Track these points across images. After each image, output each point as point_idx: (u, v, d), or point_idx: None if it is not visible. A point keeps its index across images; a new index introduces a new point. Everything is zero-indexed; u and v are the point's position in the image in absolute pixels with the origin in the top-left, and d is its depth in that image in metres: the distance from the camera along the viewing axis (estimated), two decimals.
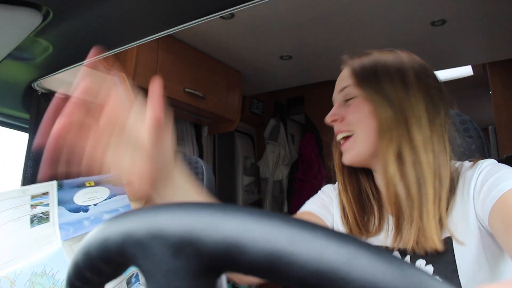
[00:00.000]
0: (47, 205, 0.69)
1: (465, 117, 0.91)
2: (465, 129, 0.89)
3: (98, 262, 0.26)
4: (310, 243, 0.20)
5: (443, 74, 3.32)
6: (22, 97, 1.48)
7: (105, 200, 0.76)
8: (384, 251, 0.20)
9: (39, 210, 0.68)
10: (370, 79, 0.74)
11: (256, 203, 3.39)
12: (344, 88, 0.78)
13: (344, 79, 0.79)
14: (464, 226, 0.66)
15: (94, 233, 0.26)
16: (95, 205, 0.74)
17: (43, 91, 1.57)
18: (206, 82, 2.46)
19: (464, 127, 0.89)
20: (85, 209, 0.73)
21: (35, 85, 1.46)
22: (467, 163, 0.73)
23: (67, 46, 0.99)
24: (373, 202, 0.78)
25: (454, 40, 2.24)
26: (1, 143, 1.79)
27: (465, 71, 3.23)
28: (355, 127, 0.74)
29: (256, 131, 3.57)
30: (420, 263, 0.68)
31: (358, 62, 0.78)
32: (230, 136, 3.26)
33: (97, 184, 0.77)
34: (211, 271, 0.22)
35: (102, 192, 0.77)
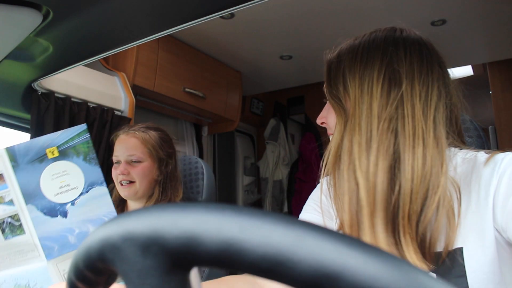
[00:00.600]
0: (11, 202, 0.56)
1: (465, 117, 0.91)
2: (465, 129, 0.89)
3: (86, 272, 0.27)
4: (258, 229, 0.20)
5: None
6: (22, 97, 1.48)
7: (81, 194, 0.63)
8: (332, 231, 0.20)
9: (3, 212, 0.56)
10: (330, 80, 0.71)
11: (256, 203, 3.39)
12: (323, 87, 0.75)
13: (324, 78, 0.76)
14: (478, 235, 0.57)
15: (81, 244, 0.27)
16: (73, 204, 0.62)
17: (43, 91, 1.57)
18: (206, 82, 2.46)
19: (464, 127, 0.89)
20: (63, 211, 0.61)
21: (35, 85, 1.46)
22: (481, 156, 0.62)
23: (67, 46, 0.99)
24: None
25: (454, 40, 2.24)
26: (1, 143, 1.79)
27: (465, 71, 3.23)
28: (332, 131, 0.72)
29: (256, 131, 3.57)
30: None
31: (326, 60, 0.75)
32: (230, 136, 3.26)
33: (61, 153, 0.61)
34: (179, 266, 0.23)
35: (74, 175, 0.63)
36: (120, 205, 1.39)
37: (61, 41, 0.96)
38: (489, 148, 0.89)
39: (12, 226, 0.57)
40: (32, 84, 1.40)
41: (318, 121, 0.77)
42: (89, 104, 1.76)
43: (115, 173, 1.30)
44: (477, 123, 0.91)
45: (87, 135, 0.65)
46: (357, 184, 0.60)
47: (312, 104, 3.46)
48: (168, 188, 1.34)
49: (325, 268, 0.18)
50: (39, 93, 1.55)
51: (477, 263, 0.57)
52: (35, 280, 0.57)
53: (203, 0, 0.79)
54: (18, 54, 1.02)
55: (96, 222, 0.65)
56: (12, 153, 0.57)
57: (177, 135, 2.75)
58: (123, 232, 0.23)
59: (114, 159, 1.33)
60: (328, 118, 0.74)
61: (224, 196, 3.11)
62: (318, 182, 0.83)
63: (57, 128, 1.63)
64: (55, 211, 0.59)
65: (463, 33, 2.16)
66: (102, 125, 1.79)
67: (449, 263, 0.57)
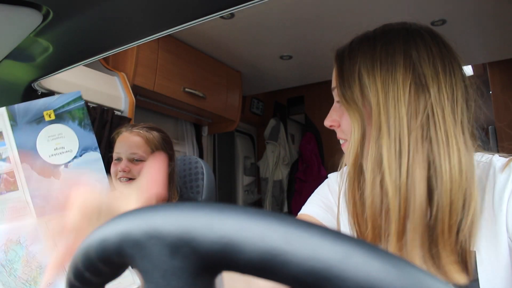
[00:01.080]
0: (7, 159, 0.59)
1: None
2: None
3: (97, 263, 0.26)
4: (305, 242, 0.20)
5: None
6: (22, 97, 1.48)
7: (75, 157, 0.65)
8: (379, 248, 0.20)
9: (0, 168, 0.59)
10: (344, 81, 0.66)
11: (256, 203, 3.39)
12: (333, 88, 0.71)
13: (334, 78, 0.71)
14: (492, 240, 0.56)
15: (93, 234, 0.26)
16: (66, 166, 0.64)
17: (43, 91, 1.57)
18: (206, 82, 2.46)
19: None
20: (56, 173, 0.62)
21: (35, 85, 1.46)
22: (496, 160, 0.61)
23: (67, 46, 0.99)
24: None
25: (454, 40, 2.23)
26: None
27: (465, 71, 3.23)
28: (348, 134, 0.67)
29: (256, 131, 3.57)
30: None
31: (336, 59, 0.71)
32: (230, 136, 3.26)
33: (57, 117, 0.64)
34: (208, 271, 0.22)
35: (68, 138, 0.65)
36: None
37: (61, 41, 0.96)
38: (488, 148, 0.88)
39: (7, 182, 0.59)
40: (32, 84, 1.40)
41: (327, 123, 0.71)
42: (89, 104, 1.76)
43: (114, 169, 1.30)
44: (477, 123, 0.91)
45: (82, 102, 0.66)
46: (385, 193, 0.58)
47: (312, 104, 3.46)
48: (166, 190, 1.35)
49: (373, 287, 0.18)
50: (39, 93, 1.55)
51: (490, 268, 0.55)
52: (26, 237, 0.59)
53: (203, 0, 0.79)
54: (18, 54, 1.02)
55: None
56: (12, 113, 0.60)
57: (177, 135, 2.75)
58: (148, 229, 0.22)
59: (115, 155, 1.32)
60: (342, 122, 0.69)
61: (224, 196, 3.11)
62: (323, 182, 0.81)
63: None
64: (48, 171, 0.61)
65: (463, 33, 2.16)
66: (102, 125, 1.79)
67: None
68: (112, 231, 0.24)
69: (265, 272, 0.20)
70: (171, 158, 1.39)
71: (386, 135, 0.58)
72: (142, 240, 0.23)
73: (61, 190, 0.59)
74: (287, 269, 0.19)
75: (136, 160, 1.30)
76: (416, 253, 0.56)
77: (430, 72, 0.60)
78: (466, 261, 0.55)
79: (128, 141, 1.31)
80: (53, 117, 0.63)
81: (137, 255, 0.23)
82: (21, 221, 0.60)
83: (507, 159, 0.60)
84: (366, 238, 0.61)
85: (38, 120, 0.61)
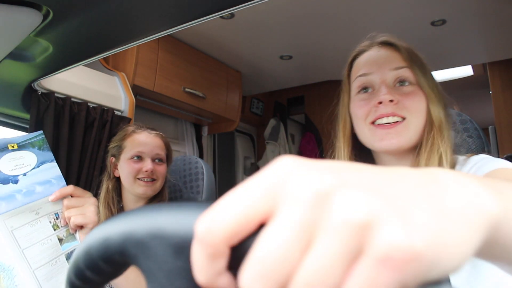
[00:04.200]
0: None
1: (465, 117, 0.91)
2: (465, 129, 0.89)
3: (99, 261, 0.25)
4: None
5: (443, 74, 3.32)
6: (22, 97, 1.48)
7: (33, 168, 0.76)
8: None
9: None
10: (421, 69, 0.74)
11: None
12: (399, 68, 0.73)
13: (397, 59, 0.74)
14: None
15: (95, 232, 0.26)
16: (24, 175, 0.74)
17: (43, 91, 1.57)
18: (206, 82, 2.46)
19: (464, 127, 0.89)
20: (15, 180, 0.73)
21: (35, 85, 1.46)
22: (461, 158, 0.73)
23: (67, 46, 0.99)
24: None
25: (454, 40, 2.24)
26: None
27: (465, 71, 3.23)
28: (409, 114, 0.71)
29: (256, 131, 3.57)
30: None
31: (405, 47, 0.76)
32: (230, 136, 3.26)
33: (20, 147, 0.77)
34: None
35: (28, 158, 0.77)
36: (114, 202, 1.37)
37: (61, 41, 0.96)
38: (488, 148, 0.89)
39: None
40: (32, 84, 1.40)
41: (385, 98, 0.71)
42: (89, 104, 1.76)
43: (136, 168, 1.27)
44: (477, 123, 0.91)
45: (42, 135, 0.82)
46: None
47: (312, 104, 3.46)
48: (164, 189, 1.37)
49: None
50: (39, 93, 1.55)
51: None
52: None
53: (203, 0, 0.79)
54: (18, 54, 1.02)
55: (44, 183, 0.78)
56: None
57: (177, 135, 2.75)
58: (152, 229, 0.22)
59: (135, 153, 1.29)
60: (411, 102, 0.72)
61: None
62: None
63: (57, 128, 1.63)
64: (7, 180, 0.73)
65: (463, 33, 2.16)
66: (102, 125, 1.79)
67: None
68: (115, 230, 0.24)
69: None
70: (171, 161, 1.42)
71: (445, 127, 0.72)
72: (146, 240, 0.22)
73: (18, 190, 0.72)
74: None
75: (159, 161, 1.31)
76: None
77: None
78: None
79: (152, 141, 1.32)
80: (16, 147, 0.77)
81: (141, 255, 0.23)
82: None
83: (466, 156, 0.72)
84: None
85: (1, 149, 0.75)
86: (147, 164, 1.27)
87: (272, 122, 3.40)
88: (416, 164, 0.72)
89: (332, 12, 1.96)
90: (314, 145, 3.43)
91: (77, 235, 0.83)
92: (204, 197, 1.48)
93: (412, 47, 0.77)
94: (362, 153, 0.79)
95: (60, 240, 0.78)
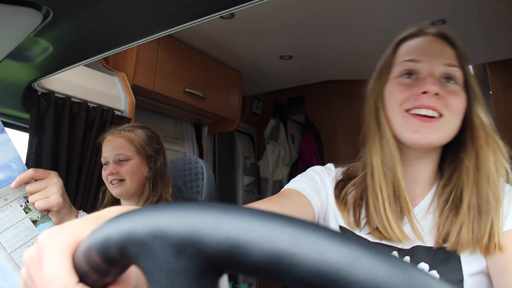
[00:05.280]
0: None
1: None
2: None
3: (99, 261, 0.25)
4: (312, 244, 0.19)
5: None
6: (22, 97, 1.48)
7: None
8: (386, 252, 0.20)
9: None
10: (469, 71, 0.70)
11: None
12: (451, 65, 0.69)
13: (451, 56, 0.70)
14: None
15: (95, 232, 0.26)
16: None
17: (43, 91, 1.57)
18: (206, 82, 2.46)
19: None
20: None
21: (35, 85, 1.46)
22: (508, 186, 0.69)
23: (67, 46, 0.99)
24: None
25: None
26: None
27: None
28: (449, 113, 0.66)
29: (256, 131, 3.57)
30: (423, 267, 0.66)
31: (460, 45, 0.72)
32: (230, 136, 3.26)
33: None
34: (213, 271, 0.22)
35: None
36: (115, 205, 1.39)
37: (61, 41, 0.96)
38: None
39: None
40: (32, 84, 1.40)
41: (433, 89, 0.66)
42: (89, 104, 1.76)
43: (105, 173, 1.31)
44: None
45: None
46: None
47: (312, 104, 3.46)
48: (158, 184, 1.34)
49: None
50: (39, 93, 1.55)
51: (471, 268, 0.63)
52: None
53: (203, 0, 0.79)
54: (18, 54, 1.02)
55: (3, 167, 0.76)
56: None
57: (177, 135, 2.75)
58: (153, 228, 0.22)
59: (103, 160, 1.33)
60: (454, 102, 0.68)
61: (224, 196, 3.11)
62: None
63: (57, 128, 1.63)
64: None
65: (463, 33, 2.15)
66: (102, 125, 1.79)
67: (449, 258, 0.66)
68: (115, 230, 0.24)
69: (271, 274, 0.20)
70: (158, 152, 1.38)
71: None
72: (146, 239, 0.22)
73: None
74: (294, 271, 0.19)
75: (122, 160, 1.29)
76: None
77: None
78: None
79: (112, 144, 1.32)
80: None
81: (141, 255, 0.23)
82: None
83: None
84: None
85: None
86: (109, 167, 1.29)
87: (272, 122, 3.39)
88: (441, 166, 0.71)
89: (332, 12, 1.96)
90: (314, 145, 3.42)
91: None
92: (204, 197, 1.48)
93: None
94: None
95: (35, 221, 0.80)
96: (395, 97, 0.69)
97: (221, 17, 1.36)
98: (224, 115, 2.65)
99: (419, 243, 0.68)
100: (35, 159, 1.59)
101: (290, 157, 3.48)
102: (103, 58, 1.56)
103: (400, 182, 0.68)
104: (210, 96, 2.47)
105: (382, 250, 0.20)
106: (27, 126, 1.59)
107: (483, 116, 0.68)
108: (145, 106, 2.28)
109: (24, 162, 1.56)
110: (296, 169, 3.47)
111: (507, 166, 0.67)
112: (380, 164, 0.69)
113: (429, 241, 0.67)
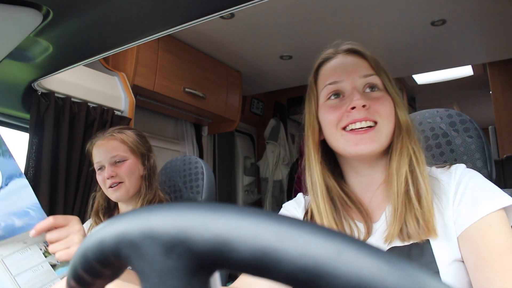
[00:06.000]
0: None
1: (465, 117, 0.91)
2: (465, 129, 0.89)
3: (95, 264, 0.26)
4: (296, 239, 0.20)
5: (443, 74, 3.32)
6: (22, 97, 1.48)
7: (1, 188, 0.70)
8: (370, 245, 0.20)
9: None
10: (386, 76, 0.77)
11: (256, 203, 3.39)
12: (368, 75, 0.76)
13: (365, 67, 0.77)
14: (442, 230, 0.68)
15: (91, 236, 0.26)
16: None
17: (43, 91, 1.57)
18: (206, 82, 2.46)
19: (464, 127, 0.89)
20: None
21: (35, 85, 1.46)
22: (434, 169, 0.75)
23: (67, 46, 0.99)
24: (346, 199, 0.76)
25: (454, 40, 2.24)
26: None
27: (465, 71, 3.23)
28: (381, 119, 0.73)
29: (256, 131, 3.57)
30: None
31: (370, 55, 0.79)
32: (230, 136, 3.26)
33: None
34: (203, 269, 0.22)
35: None
36: (109, 211, 1.38)
37: (61, 41, 0.96)
38: (488, 148, 0.89)
39: None
40: (32, 84, 1.40)
41: (359, 103, 0.72)
42: (89, 104, 1.76)
43: (101, 178, 1.28)
44: (477, 123, 0.91)
45: None
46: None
47: None
48: (152, 181, 1.33)
49: (366, 284, 0.18)
50: (39, 93, 1.55)
51: (446, 261, 0.66)
52: None
53: (203, 0, 0.79)
54: (18, 54, 1.02)
55: (21, 214, 0.72)
56: None
57: (177, 135, 2.76)
58: (144, 229, 0.23)
59: (97, 165, 1.30)
60: (382, 107, 0.74)
61: (224, 196, 3.11)
62: None
63: (57, 128, 1.63)
64: None
65: (463, 33, 2.16)
66: (102, 125, 1.79)
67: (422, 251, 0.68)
68: (109, 233, 0.24)
69: (258, 270, 0.20)
70: (149, 149, 1.38)
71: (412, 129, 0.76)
72: (138, 240, 0.23)
73: None
74: (279, 267, 0.20)
75: (118, 162, 1.28)
76: None
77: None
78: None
79: (105, 147, 1.29)
80: None
81: (134, 256, 0.23)
82: None
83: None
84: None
85: None
86: (106, 171, 1.26)
87: (272, 122, 3.40)
88: (388, 167, 0.74)
89: (332, 11, 1.96)
90: None
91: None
92: (204, 197, 1.48)
93: (375, 55, 0.80)
94: (328, 159, 0.81)
95: (54, 265, 0.76)
96: (329, 119, 0.75)
97: (221, 17, 1.37)
98: (224, 115, 2.65)
99: (393, 244, 0.70)
100: (35, 159, 1.59)
101: (290, 157, 3.48)
102: (103, 58, 1.56)
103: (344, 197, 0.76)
104: (210, 96, 2.47)
105: (366, 243, 0.20)
106: (27, 126, 1.59)
107: (402, 115, 0.74)
108: (145, 106, 2.28)
109: (25, 162, 1.57)
110: (296, 169, 3.47)
111: (423, 156, 0.73)
112: (319, 186, 0.79)
113: (398, 241, 0.71)
